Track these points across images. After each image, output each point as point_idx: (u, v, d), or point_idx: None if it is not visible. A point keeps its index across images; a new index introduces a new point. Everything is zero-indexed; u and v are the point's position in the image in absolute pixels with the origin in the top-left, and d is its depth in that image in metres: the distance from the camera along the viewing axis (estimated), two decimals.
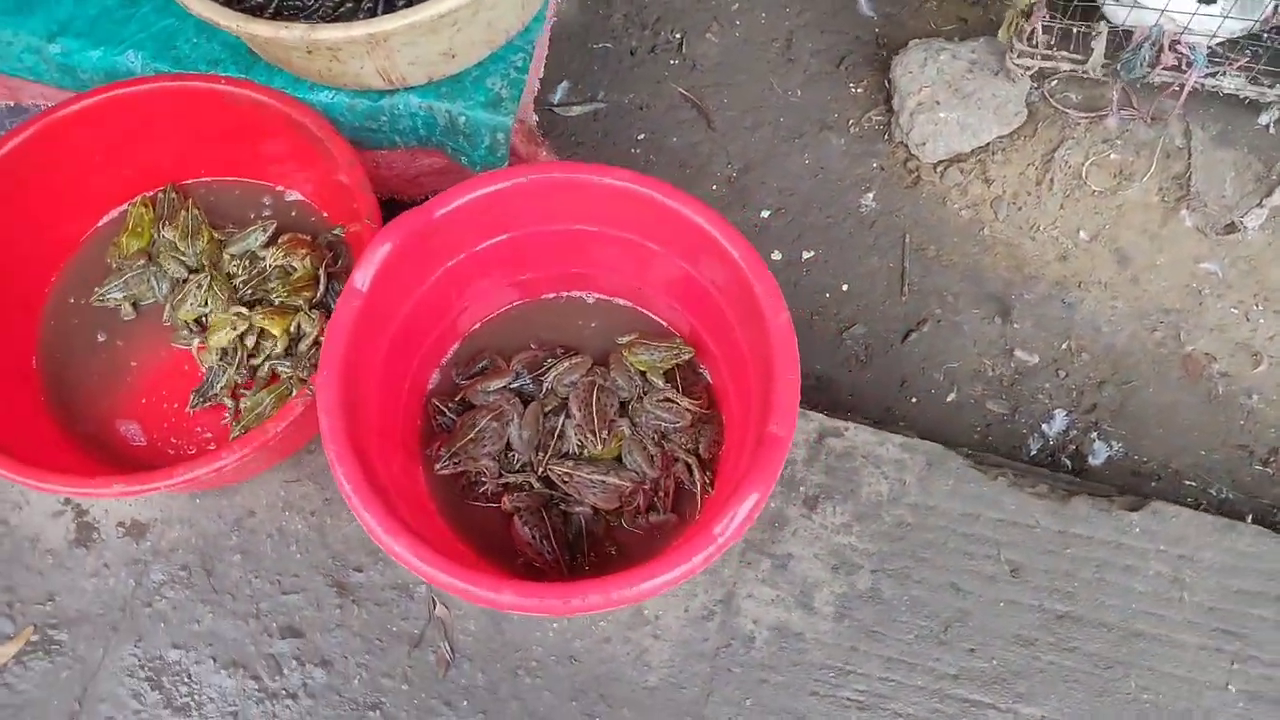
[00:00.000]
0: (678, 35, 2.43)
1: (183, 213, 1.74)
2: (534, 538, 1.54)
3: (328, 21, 1.48)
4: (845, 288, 2.17)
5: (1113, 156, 2.15)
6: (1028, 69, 2.10)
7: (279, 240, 1.73)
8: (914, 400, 2.05)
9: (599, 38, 2.44)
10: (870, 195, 2.24)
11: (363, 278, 1.40)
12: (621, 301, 1.76)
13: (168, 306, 1.71)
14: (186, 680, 1.56)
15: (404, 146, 1.73)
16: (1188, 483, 1.96)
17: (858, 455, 1.69)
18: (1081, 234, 2.17)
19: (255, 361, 1.65)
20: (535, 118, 1.89)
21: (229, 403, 1.68)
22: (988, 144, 2.21)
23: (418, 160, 1.77)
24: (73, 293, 1.76)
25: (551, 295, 1.76)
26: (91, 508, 1.66)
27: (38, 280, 1.75)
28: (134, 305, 1.75)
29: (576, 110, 2.36)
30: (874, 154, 2.27)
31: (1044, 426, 2.02)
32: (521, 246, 1.60)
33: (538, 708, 1.54)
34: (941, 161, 2.22)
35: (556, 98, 2.38)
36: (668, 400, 1.61)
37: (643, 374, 1.65)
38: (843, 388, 2.07)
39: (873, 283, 2.17)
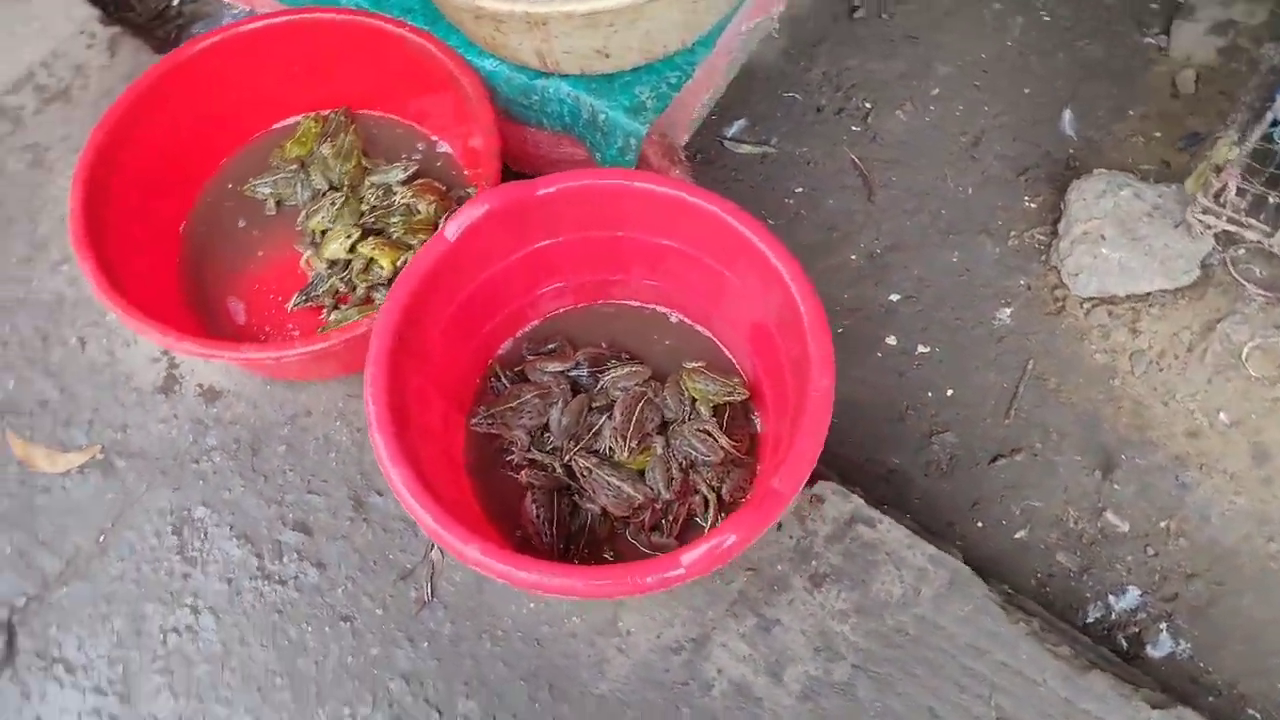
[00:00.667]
0: (868, 104, 2.44)
1: (343, 135, 1.91)
2: (538, 516, 1.59)
3: None
4: (950, 393, 2.11)
5: None
6: (1209, 228, 1.98)
7: (415, 181, 1.87)
8: (980, 525, 1.97)
9: (791, 87, 2.48)
10: (1008, 310, 2.16)
11: (454, 229, 1.50)
12: (701, 330, 1.79)
13: (303, 213, 1.88)
14: (202, 537, 1.71)
15: (550, 130, 1.83)
16: (1250, 711, 1.78)
17: (882, 550, 1.65)
18: (1222, 415, 2.02)
19: (358, 280, 1.78)
20: (685, 138, 1.96)
21: (328, 305, 1.81)
22: (1147, 294, 2.09)
23: (562, 146, 1.87)
24: (232, 179, 1.97)
25: (637, 304, 1.80)
26: (181, 363, 1.84)
27: (208, 161, 1.97)
28: (278, 203, 1.94)
29: (746, 148, 2.41)
30: (1025, 271, 2.19)
31: (1111, 598, 1.90)
32: (616, 248, 1.66)
33: (489, 675, 1.59)
34: (1092, 299, 2.12)
35: (731, 131, 2.44)
36: (705, 432, 1.62)
37: (693, 401, 1.67)
38: (914, 489, 2.01)
39: (981, 396, 2.10)
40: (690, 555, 1.28)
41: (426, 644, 1.61)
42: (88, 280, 1.60)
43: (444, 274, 1.53)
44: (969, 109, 2.42)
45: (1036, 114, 2.39)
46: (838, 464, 1.96)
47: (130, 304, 1.60)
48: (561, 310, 1.81)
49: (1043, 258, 2.21)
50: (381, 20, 1.80)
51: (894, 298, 2.22)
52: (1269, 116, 1.75)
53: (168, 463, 1.78)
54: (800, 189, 2.36)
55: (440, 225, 1.52)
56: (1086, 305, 2.13)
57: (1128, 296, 2.10)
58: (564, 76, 1.72)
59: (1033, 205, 2.29)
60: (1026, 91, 2.42)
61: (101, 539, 1.74)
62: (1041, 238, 2.24)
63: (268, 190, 1.91)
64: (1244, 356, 2.02)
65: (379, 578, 1.67)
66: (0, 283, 1.99)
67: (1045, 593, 1.90)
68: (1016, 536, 1.95)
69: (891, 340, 2.17)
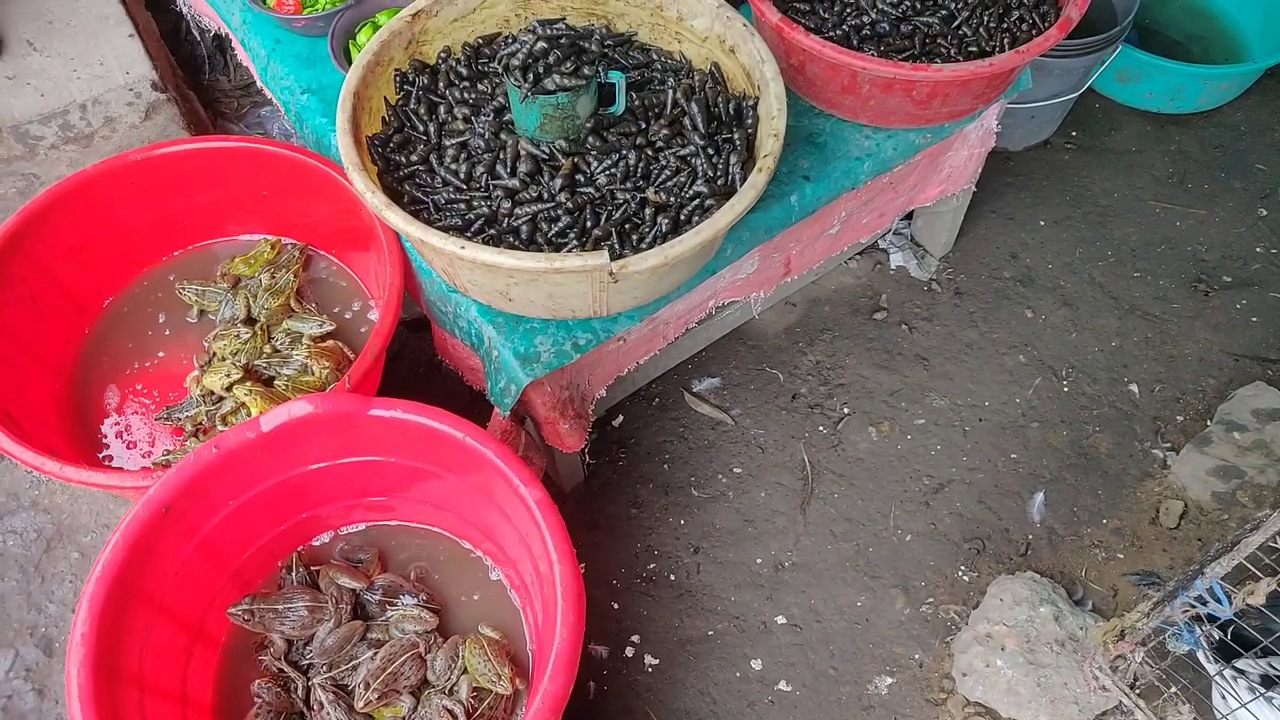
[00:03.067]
0: (846, 410, 2.34)
1: (286, 271, 1.94)
2: None
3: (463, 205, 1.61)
4: None
5: None
6: (1105, 689, 1.79)
7: (325, 340, 1.87)
8: None
9: (778, 364, 2.41)
10: (889, 681, 2.00)
11: (270, 421, 1.47)
12: (513, 595, 1.70)
13: (214, 332, 1.90)
14: None
15: (463, 341, 1.81)
16: None
17: None
18: None
19: (221, 420, 1.77)
20: (601, 392, 1.90)
21: (188, 430, 1.81)
22: None
23: (472, 361, 1.84)
24: (175, 272, 2.01)
25: (466, 545, 1.74)
26: None
27: (158, 249, 2.04)
28: (200, 312, 1.97)
29: (705, 408, 2.34)
30: (924, 645, 2.03)
31: None
32: (440, 482, 1.61)
33: None
34: (977, 705, 1.93)
35: (698, 386, 2.37)
36: (451, 715, 1.52)
37: (463, 672, 1.57)
38: None
39: None
40: None
41: None
42: None
43: (247, 460, 1.50)
44: (945, 453, 2.29)
45: (1011, 484, 2.24)
46: None
47: None
48: (389, 523, 1.75)
49: (948, 639, 2.04)
50: (336, 169, 1.86)
51: (779, 620, 2.07)
52: (1176, 603, 1.57)
53: None
54: (739, 469, 2.27)
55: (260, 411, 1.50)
56: (968, 711, 1.95)
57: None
58: (473, 299, 1.70)
59: (965, 579, 2.12)
60: (1012, 458, 2.28)
61: None
62: (955, 614, 2.07)
63: (194, 297, 1.95)
64: None
65: None
66: None
67: None
68: None
69: (757, 664, 2.02)
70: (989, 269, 2.59)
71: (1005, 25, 1.85)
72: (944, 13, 1.86)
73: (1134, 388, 2.38)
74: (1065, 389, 2.39)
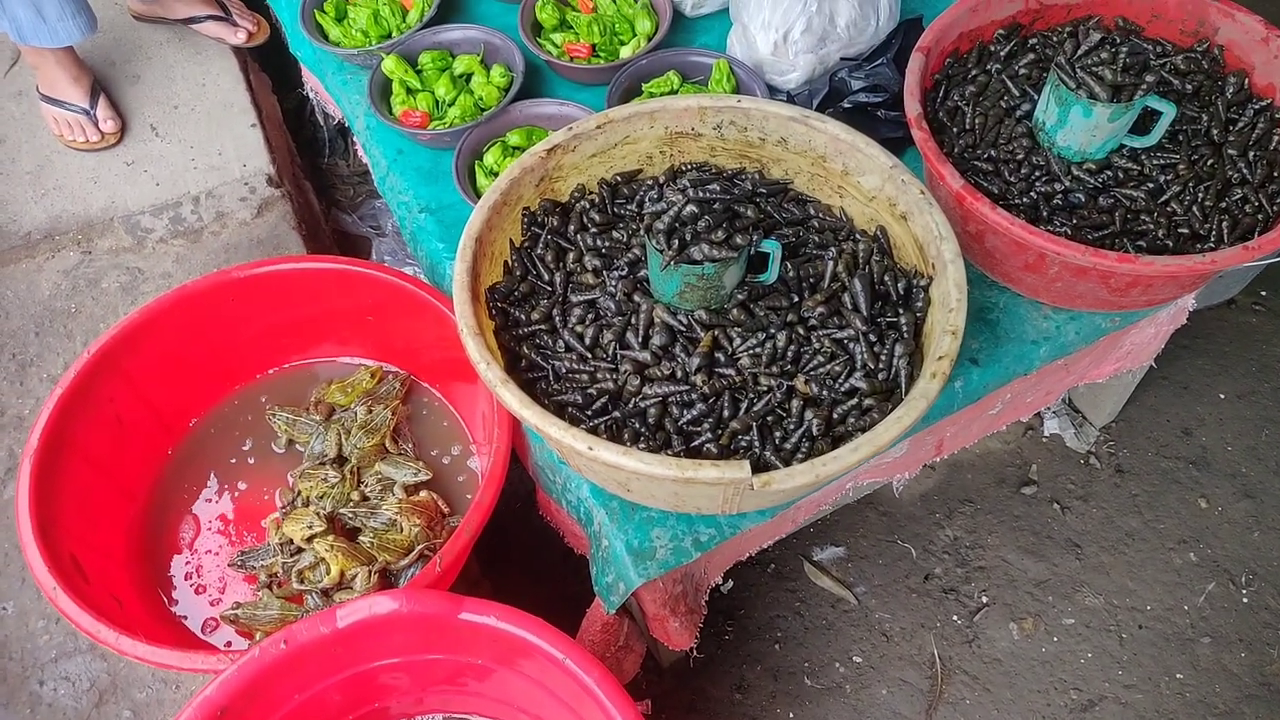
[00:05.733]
0: (985, 599, 2.08)
1: (384, 407, 1.79)
2: None
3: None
4: None
5: None
6: None
7: (419, 492, 1.71)
8: None
9: (911, 537, 2.17)
10: None
11: (347, 616, 1.30)
12: None
13: (301, 469, 1.75)
14: None
15: (570, 515, 1.63)
16: None
17: None
18: None
19: (298, 575, 1.62)
20: (717, 579, 1.70)
21: (262, 580, 1.67)
22: None
23: (576, 529, 1.65)
24: (268, 393, 1.88)
25: None
26: None
27: (258, 363, 1.90)
28: (289, 442, 1.82)
29: (825, 582, 2.11)
30: None
31: None
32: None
33: None
34: None
35: (819, 555, 2.15)
36: None
37: None
38: None
39: None
40: None
41: None
42: None
43: (317, 656, 1.34)
44: (1098, 663, 2.00)
45: (1176, 710, 1.94)
46: None
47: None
48: (467, 717, 1.56)
49: None
50: (445, 302, 1.71)
51: None
52: None
53: None
54: (859, 658, 2.02)
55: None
56: None
57: None
58: (588, 481, 1.52)
59: None
60: (1178, 678, 1.98)
61: None
62: None
63: (284, 426, 1.81)
64: None
65: None
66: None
67: None
68: None
69: None
70: (1157, 445, 2.30)
71: (1224, 205, 1.60)
72: (1150, 185, 1.62)
73: None
74: (1245, 600, 2.08)
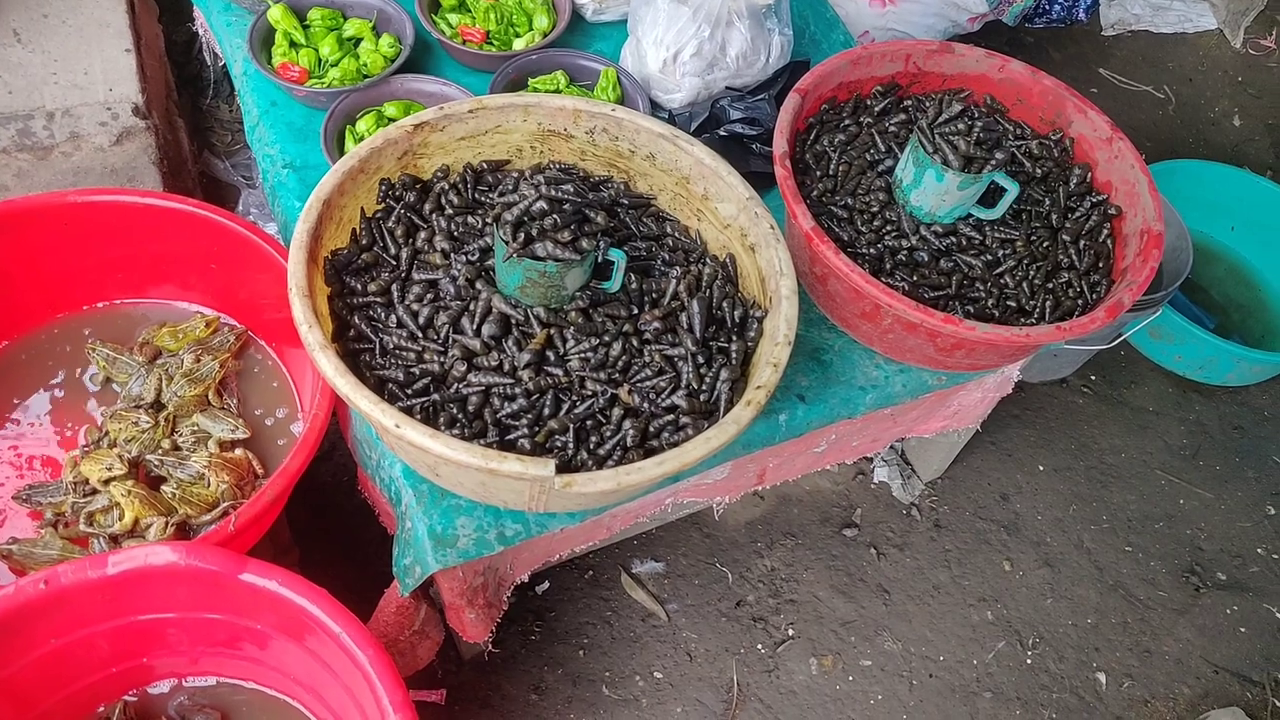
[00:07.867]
0: (791, 632, 2.14)
1: (213, 360, 1.74)
2: None
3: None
4: None
5: None
6: None
7: (233, 449, 1.66)
8: None
9: (731, 561, 2.22)
10: None
11: (119, 563, 1.26)
12: None
13: (115, 408, 1.68)
14: None
15: (383, 493, 1.61)
16: None
17: None
18: None
19: (88, 518, 1.55)
20: (524, 576, 1.70)
21: (47, 519, 1.60)
22: None
23: (389, 509, 1.64)
24: (93, 326, 1.82)
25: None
26: None
27: (86, 294, 1.83)
28: (106, 380, 1.76)
29: (639, 595, 2.13)
30: None
31: None
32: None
33: None
34: None
35: (638, 568, 2.17)
36: None
37: None
38: None
39: None
40: None
41: None
42: None
43: (83, 600, 1.29)
44: (885, 706, 2.08)
45: None
46: None
47: None
48: (244, 683, 1.52)
49: None
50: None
51: None
52: None
53: None
54: (660, 674, 2.05)
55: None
56: None
57: None
58: (400, 463, 1.51)
59: None
60: None
61: None
62: None
63: (103, 362, 1.74)
64: None
65: None
66: None
67: None
68: None
69: None
70: (976, 505, 2.41)
71: (1050, 286, 1.69)
72: (989, 257, 1.70)
73: (1101, 677, 2.18)
74: (1028, 660, 2.19)
